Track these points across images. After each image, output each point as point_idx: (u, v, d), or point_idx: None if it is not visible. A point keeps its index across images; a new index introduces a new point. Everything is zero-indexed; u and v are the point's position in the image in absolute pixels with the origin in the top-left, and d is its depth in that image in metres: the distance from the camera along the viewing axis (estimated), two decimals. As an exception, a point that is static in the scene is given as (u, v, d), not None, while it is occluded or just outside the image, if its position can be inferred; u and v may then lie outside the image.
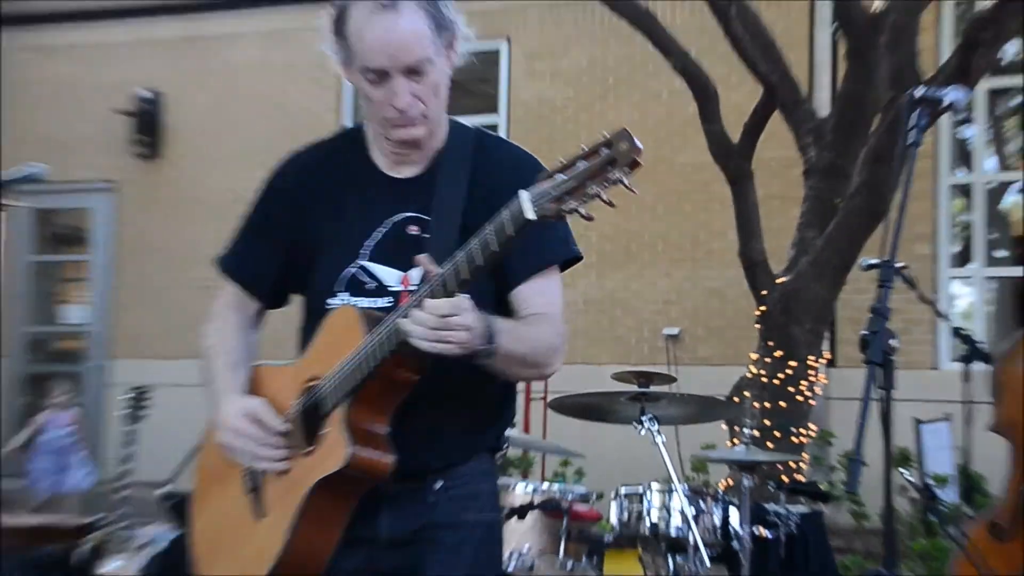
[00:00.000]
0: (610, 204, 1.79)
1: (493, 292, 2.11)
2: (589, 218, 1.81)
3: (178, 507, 4.46)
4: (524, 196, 1.83)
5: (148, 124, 9.58)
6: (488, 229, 1.86)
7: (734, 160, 6.40)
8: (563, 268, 2.16)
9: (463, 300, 1.89)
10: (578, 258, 2.15)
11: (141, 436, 4.67)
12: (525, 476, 7.21)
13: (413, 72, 2.06)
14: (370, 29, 2.05)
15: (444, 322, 1.87)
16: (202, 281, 9.25)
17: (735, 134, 6.48)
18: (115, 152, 9.78)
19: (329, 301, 2.16)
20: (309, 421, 2.11)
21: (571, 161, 1.81)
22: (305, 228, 2.20)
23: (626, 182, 1.77)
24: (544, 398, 7.66)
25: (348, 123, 9.13)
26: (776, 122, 6.65)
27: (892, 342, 2.25)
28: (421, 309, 1.90)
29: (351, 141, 2.25)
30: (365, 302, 2.13)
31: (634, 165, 1.76)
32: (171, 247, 9.62)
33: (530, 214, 1.82)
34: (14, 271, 9.97)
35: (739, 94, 7.64)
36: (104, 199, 9.83)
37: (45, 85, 9.97)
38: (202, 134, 9.60)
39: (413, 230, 2.15)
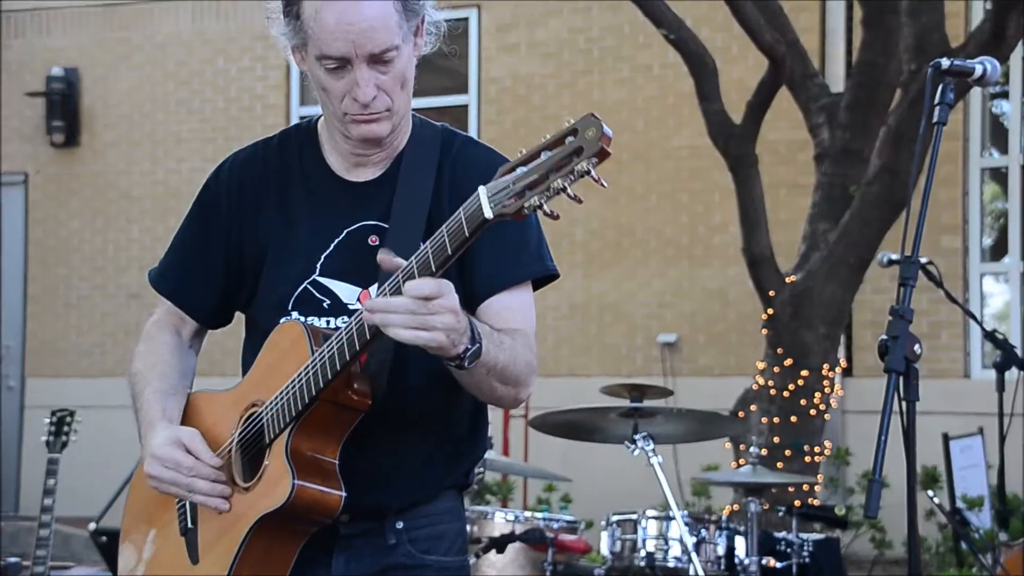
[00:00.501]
0: (576, 200, 1.80)
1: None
2: (554, 216, 1.82)
3: (110, 546, 4.45)
4: (482, 192, 1.84)
5: (64, 107, 9.49)
6: (443, 231, 1.87)
7: (736, 143, 6.43)
8: (536, 287, 2.17)
9: (445, 282, 1.88)
10: (554, 276, 2.16)
11: (64, 465, 4.65)
12: (505, 504, 7.23)
13: (378, 61, 2.06)
14: (330, 10, 2.03)
15: (427, 305, 1.86)
16: (130, 288, 9.29)
17: (737, 114, 6.52)
18: (26, 140, 9.70)
19: (278, 320, 2.15)
20: (250, 452, 2.11)
21: (534, 152, 1.82)
22: (249, 239, 2.20)
23: (594, 174, 1.77)
24: (525, 415, 7.68)
25: (298, 105, 9.11)
26: (783, 99, 6.69)
27: (916, 348, 2.28)
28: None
29: (301, 139, 2.24)
30: (320, 322, 2.13)
31: (602, 155, 1.76)
32: (93, 249, 9.55)
33: (488, 212, 1.83)
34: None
35: (741, 68, 7.69)
36: (14, 194, 9.74)
37: (-56, 64, 9.89)
38: (127, 119, 9.55)
39: (372, 240, 2.14)
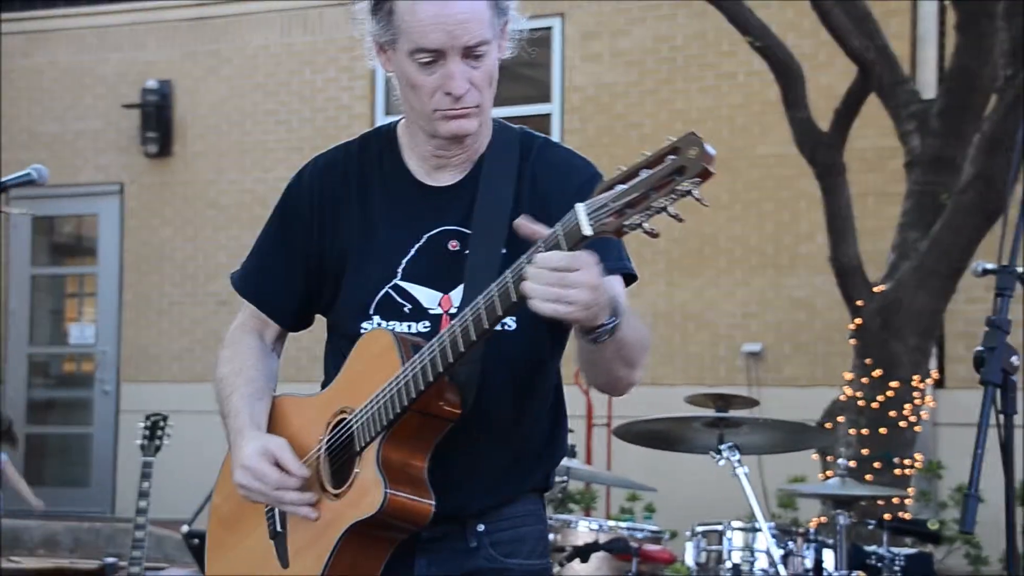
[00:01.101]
0: (678, 219, 1.79)
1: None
2: (654, 235, 1.80)
3: (202, 548, 4.52)
4: (580, 209, 1.82)
5: (157, 118, 9.70)
6: (540, 246, 1.86)
7: (823, 151, 6.35)
8: None
9: (586, 255, 1.85)
10: (633, 277, 2.14)
11: (157, 468, 4.74)
12: (588, 513, 7.21)
13: (470, 55, 2.06)
14: (425, 2, 2.05)
15: (564, 278, 1.83)
16: (219, 295, 9.45)
17: (824, 121, 6.43)
18: (122, 151, 9.93)
19: (362, 325, 2.16)
20: (338, 460, 2.12)
21: (632, 170, 1.80)
22: (330, 243, 2.20)
23: (696, 194, 1.76)
24: (608, 424, 7.66)
25: (383, 114, 9.19)
26: (872, 106, 6.60)
27: (1013, 359, 2.22)
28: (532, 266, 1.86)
29: (382, 143, 2.24)
30: (401, 327, 2.13)
31: (705, 175, 1.75)
32: (184, 256, 9.74)
33: (587, 229, 1.81)
34: (14, 286, 10.16)
35: (829, 75, 7.59)
36: (110, 203, 9.98)
37: (40, 76, 10.16)
38: (216, 129, 9.72)
39: (453, 245, 2.14)
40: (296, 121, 9.48)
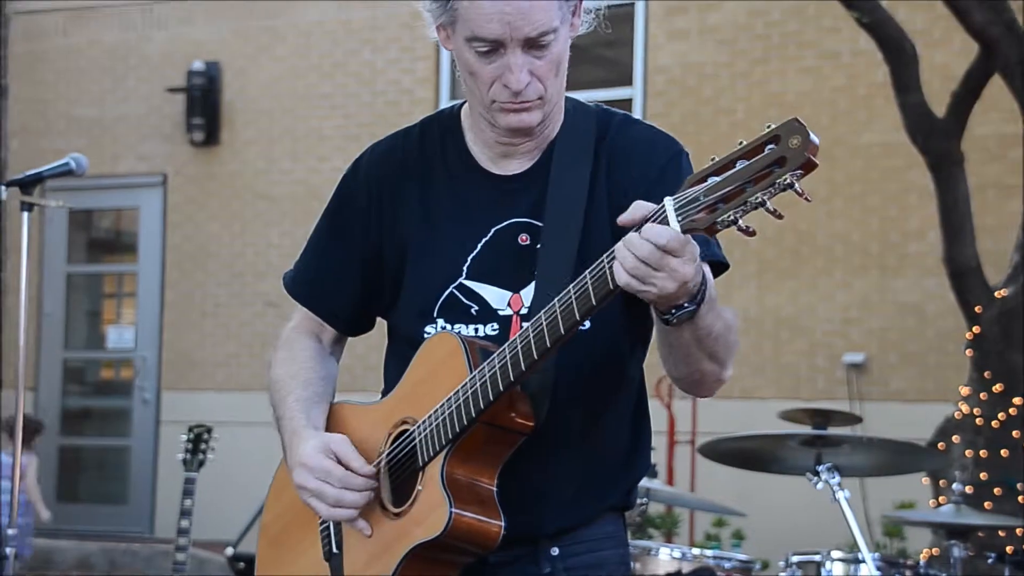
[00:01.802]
0: (777, 215, 1.77)
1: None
2: (750, 232, 1.79)
3: (248, 572, 4.56)
4: (669, 203, 1.82)
5: (204, 104, 9.80)
6: (621, 246, 1.86)
7: (937, 139, 6.28)
8: None
9: (693, 246, 1.84)
10: (724, 266, 2.11)
11: (200, 485, 4.78)
12: (670, 539, 7.17)
13: (533, 45, 2.05)
14: None
15: (662, 259, 1.82)
16: (269, 295, 9.54)
17: (939, 106, 6.35)
18: (165, 139, 10.07)
19: (425, 329, 2.17)
20: (399, 474, 2.13)
21: (727, 160, 1.79)
22: (390, 239, 2.21)
23: (798, 188, 1.74)
24: (692, 441, 7.61)
25: (448, 99, 9.22)
26: (995, 89, 6.49)
27: None
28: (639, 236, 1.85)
29: (443, 128, 2.25)
30: (467, 330, 2.14)
31: (809, 166, 1.73)
32: (231, 254, 9.85)
33: (675, 225, 1.81)
34: (48, 285, 10.33)
35: (945, 54, 7.46)
36: (152, 196, 10.12)
37: (79, 57, 10.33)
38: (267, 114, 9.82)
39: (523, 240, 2.14)
40: (354, 106, 9.55)
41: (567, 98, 2.20)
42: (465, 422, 2.02)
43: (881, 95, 7.37)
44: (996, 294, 6.17)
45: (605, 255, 1.89)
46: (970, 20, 6.10)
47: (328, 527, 2.21)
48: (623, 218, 1.89)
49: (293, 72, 9.75)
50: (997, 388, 6.07)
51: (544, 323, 1.95)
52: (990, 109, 7.02)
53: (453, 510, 2.01)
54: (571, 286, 1.93)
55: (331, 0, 9.69)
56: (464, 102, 2.24)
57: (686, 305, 1.90)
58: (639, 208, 1.87)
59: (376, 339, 2.33)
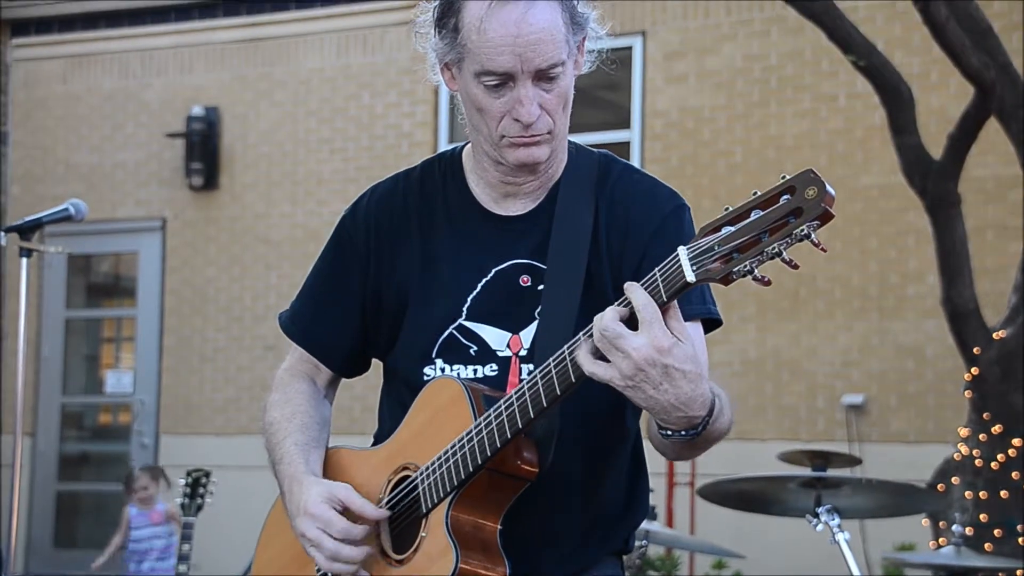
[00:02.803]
0: (793, 266, 1.78)
1: None
2: (766, 283, 1.79)
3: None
4: (683, 253, 1.81)
5: (203, 148, 9.86)
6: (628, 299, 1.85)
7: (935, 181, 6.28)
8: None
9: (682, 348, 1.83)
10: (717, 323, 2.12)
11: (198, 529, 4.77)
12: (669, 583, 7.13)
13: (543, 78, 2.06)
14: (494, 20, 2.02)
15: (665, 370, 1.82)
16: (266, 339, 9.54)
17: (936, 148, 6.37)
18: (164, 183, 10.11)
19: (424, 371, 2.16)
20: (401, 521, 2.12)
21: (742, 210, 1.79)
22: (388, 280, 2.21)
23: (815, 238, 1.75)
24: (691, 483, 7.59)
25: (446, 142, 9.26)
26: (991, 131, 6.51)
27: None
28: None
29: (444, 170, 2.25)
30: (466, 371, 2.14)
31: (826, 217, 1.74)
32: (230, 298, 9.86)
33: (690, 276, 1.80)
34: (47, 330, 10.33)
35: (942, 96, 7.51)
36: (151, 240, 10.14)
37: (78, 103, 10.39)
38: (267, 158, 9.87)
39: (524, 281, 2.14)
40: (353, 150, 9.59)
41: (570, 141, 2.20)
42: (471, 469, 2.02)
43: (878, 138, 7.40)
44: (995, 335, 6.16)
45: (618, 302, 1.87)
46: (965, 63, 6.12)
47: (326, 574, 2.19)
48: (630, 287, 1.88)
49: (292, 117, 9.80)
50: (996, 429, 6.05)
51: (554, 370, 1.94)
52: (987, 151, 7.05)
53: (460, 557, 2.00)
54: (582, 334, 1.91)
55: (330, 46, 9.76)
56: (465, 144, 2.25)
57: (697, 427, 1.90)
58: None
59: (374, 380, 2.34)
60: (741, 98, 8.56)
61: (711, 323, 2.11)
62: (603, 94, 9.05)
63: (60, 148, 10.33)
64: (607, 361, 1.85)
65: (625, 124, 8.81)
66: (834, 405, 8.12)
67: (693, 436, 1.91)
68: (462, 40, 2.07)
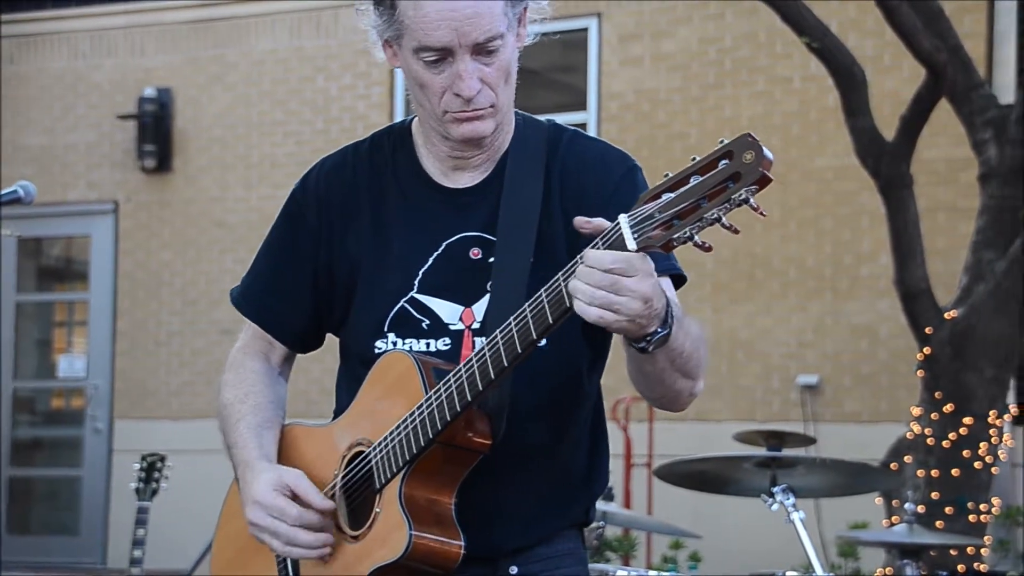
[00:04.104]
0: (733, 230, 1.78)
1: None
2: (707, 248, 1.80)
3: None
4: (624, 221, 1.82)
5: (156, 130, 9.77)
6: (578, 261, 1.85)
7: (888, 162, 6.33)
8: None
9: (643, 261, 1.83)
10: (682, 279, 2.13)
11: (154, 514, 4.76)
12: (627, 561, 7.18)
13: (482, 51, 2.06)
14: None
15: (614, 281, 1.81)
16: (222, 323, 9.50)
17: (889, 130, 6.42)
18: (116, 166, 10.02)
19: (375, 344, 2.16)
20: (356, 497, 2.12)
21: (681, 176, 1.80)
22: (340, 254, 2.21)
23: (753, 203, 1.75)
24: (649, 464, 7.64)
25: (400, 124, 9.23)
26: (943, 113, 6.58)
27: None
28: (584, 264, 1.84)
29: (394, 143, 2.24)
30: (418, 344, 2.14)
31: (763, 181, 1.74)
32: (184, 282, 9.80)
33: (631, 244, 1.81)
34: (-3, 313, 10.24)
35: (894, 79, 7.58)
36: (103, 223, 10.05)
37: (28, 84, 10.27)
38: (220, 141, 9.81)
39: (475, 253, 2.14)
40: (308, 133, 9.55)
41: (517, 112, 2.20)
42: (423, 443, 2.01)
43: (832, 119, 7.46)
44: (946, 315, 6.22)
45: (561, 273, 1.88)
46: (918, 46, 6.17)
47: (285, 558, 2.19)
48: (581, 221, 1.89)
49: (246, 99, 9.74)
50: (948, 408, 6.12)
51: (500, 342, 1.95)
52: (939, 133, 7.12)
53: (413, 532, 2.00)
54: (527, 305, 1.92)
55: (283, 28, 9.71)
56: (415, 116, 2.24)
57: (658, 331, 1.89)
58: (601, 225, 1.87)
59: (331, 363, 2.34)
60: (696, 80, 8.59)
61: (676, 279, 2.12)
62: (559, 76, 9.07)
63: (9, 129, 10.21)
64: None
65: (581, 106, 8.84)
66: (789, 386, 8.19)
67: (668, 332, 1.90)
68: (399, 16, 2.07)
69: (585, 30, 8.78)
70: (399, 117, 9.56)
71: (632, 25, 8.78)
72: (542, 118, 2.24)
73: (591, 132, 8.56)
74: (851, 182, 7.75)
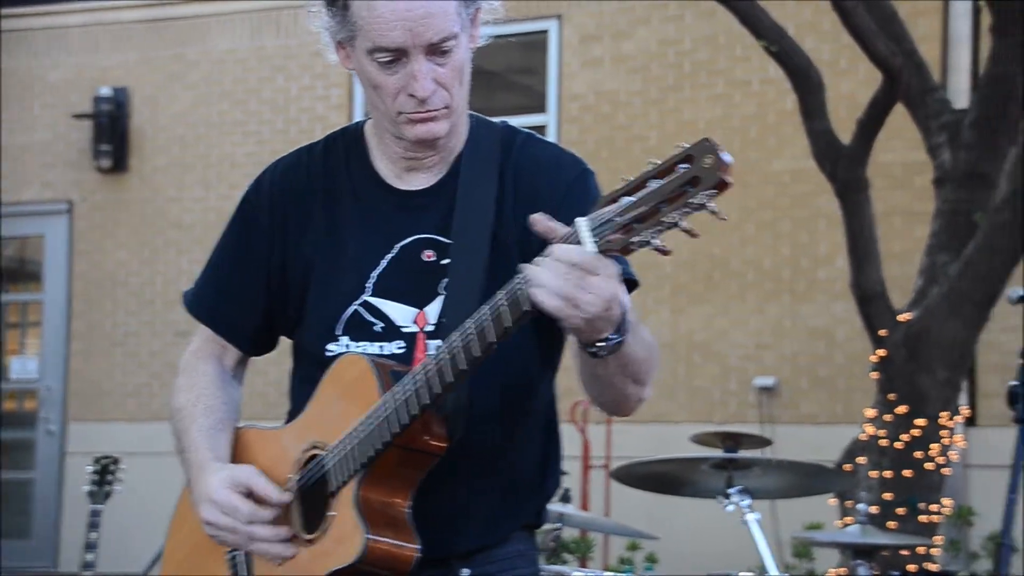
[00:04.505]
0: (692, 234, 1.79)
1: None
2: (666, 252, 1.80)
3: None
4: (582, 225, 1.82)
5: (112, 130, 9.71)
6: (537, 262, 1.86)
7: (844, 166, 6.37)
8: None
9: (611, 263, 1.84)
10: (635, 284, 2.11)
11: (107, 517, 4.74)
12: (584, 563, 7.21)
13: (436, 52, 2.06)
14: None
15: (580, 277, 1.81)
16: (178, 324, 9.45)
17: (845, 133, 6.47)
18: (71, 166, 9.95)
19: (328, 347, 2.16)
20: (310, 501, 2.12)
21: (639, 180, 1.80)
22: (293, 256, 2.21)
23: (713, 207, 1.76)
24: (606, 465, 7.66)
25: (359, 125, 9.22)
26: (899, 117, 6.63)
27: (1047, 393, 2.24)
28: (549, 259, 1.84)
29: (348, 145, 2.24)
30: (372, 347, 2.14)
31: (722, 186, 1.75)
32: (141, 282, 9.74)
33: (590, 247, 1.81)
34: (-51, 313, 10.13)
35: (851, 82, 7.64)
36: (58, 223, 9.98)
37: (-15, 83, 10.19)
38: (179, 141, 9.75)
39: (428, 256, 2.14)
40: (267, 133, 9.52)
41: (470, 114, 2.20)
42: (379, 446, 2.01)
43: (790, 123, 7.50)
44: (901, 318, 6.26)
45: (519, 275, 1.89)
46: (874, 49, 6.22)
47: (236, 555, 2.18)
48: (536, 218, 1.89)
49: (205, 99, 9.70)
50: (901, 410, 6.15)
51: (460, 344, 1.95)
52: (894, 137, 7.18)
53: (368, 536, 2.00)
54: (486, 306, 1.92)
55: (243, 28, 9.67)
56: (369, 118, 2.25)
57: (612, 337, 1.90)
58: (555, 228, 1.88)
59: (289, 365, 2.35)
60: (656, 82, 8.63)
61: (629, 284, 2.10)
62: (519, 78, 9.08)
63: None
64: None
65: (541, 108, 8.86)
66: (746, 387, 8.23)
67: (622, 339, 1.91)
68: (352, 17, 2.07)
69: (545, 32, 8.80)
70: (358, 118, 9.53)
71: (592, 27, 8.81)
72: (496, 120, 2.24)
73: (551, 134, 8.68)
74: (809, 185, 7.80)
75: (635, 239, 1.79)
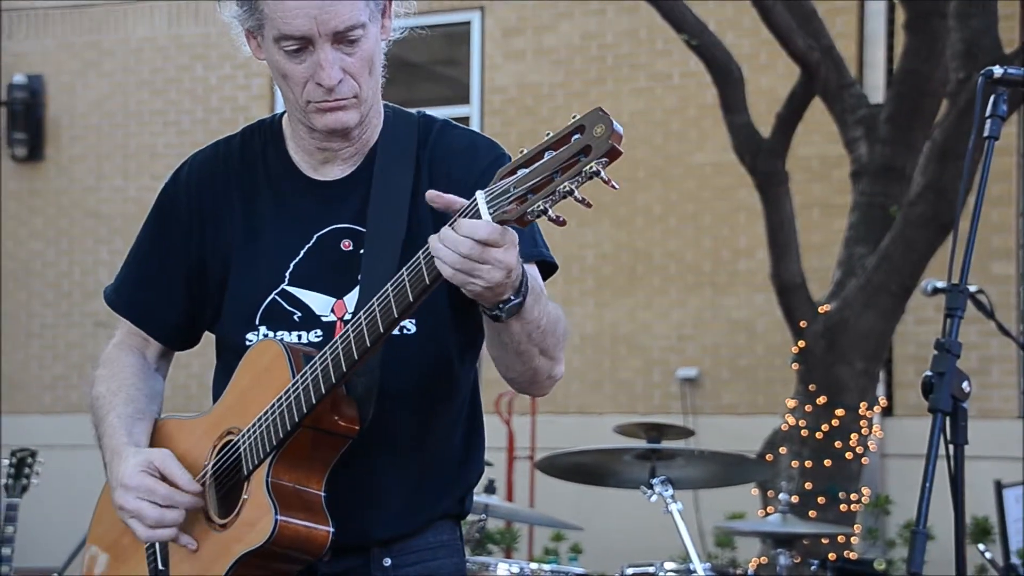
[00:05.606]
0: (585, 204, 1.81)
1: (447, 295, 2.08)
2: (560, 222, 1.83)
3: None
4: (480, 197, 1.85)
5: (26, 118, 9.52)
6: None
7: (764, 159, 6.44)
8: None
9: (511, 233, 1.87)
10: (552, 267, 2.15)
11: (25, 511, 4.65)
12: (509, 554, 7.21)
13: (342, 40, 2.06)
14: None
15: (484, 252, 1.85)
16: (97, 315, 9.31)
17: (765, 127, 6.53)
18: (-14, 154, 9.74)
19: (247, 337, 2.16)
20: (225, 485, 2.11)
21: (536, 151, 1.83)
22: (212, 248, 2.21)
23: (604, 175, 1.79)
24: (531, 456, 7.67)
25: (281, 115, 9.14)
26: (816, 111, 6.71)
27: (964, 386, 2.27)
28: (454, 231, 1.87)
29: (265, 137, 2.25)
30: (290, 337, 2.14)
31: (613, 154, 1.78)
32: (58, 273, 9.58)
33: (487, 217, 1.84)
34: None
35: (770, 77, 7.71)
36: (-27, 213, 9.79)
37: None
38: (96, 130, 9.59)
39: (346, 245, 2.15)
40: (187, 122, 9.39)
41: (387, 105, 2.21)
42: (289, 427, 2.02)
43: (711, 116, 7.55)
44: (820, 309, 6.34)
45: (421, 251, 1.91)
46: (792, 45, 6.29)
47: (154, 544, 2.17)
48: (433, 195, 1.92)
49: (123, 88, 9.55)
50: (821, 400, 6.24)
51: (364, 323, 1.96)
52: (813, 131, 7.26)
53: (278, 517, 2.00)
54: (389, 284, 1.94)
55: (161, 15, 9.53)
56: (285, 111, 2.25)
57: (512, 298, 1.92)
58: (454, 201, 1.91)
59: (212, 357, 2.32)
60: (578, 75, 8.65)
61: (547, 266, 2.14)
62: (442, 69, 9.04)
63: None
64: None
65: (464, 100, 8.83)
66: (669, 379, 8.28)
67: (521, 300, 1.93)
68: (259, 6, 2.08)
69: (468, 23, 8.77)
70: (279, 108, 9.45)
71: (515, 19, 8.80)
72: (413, 111, 2.25)
73: (475, 126, 8.65)
74: (729, 178, 7.86)
75: (530, 209, 1.82)
